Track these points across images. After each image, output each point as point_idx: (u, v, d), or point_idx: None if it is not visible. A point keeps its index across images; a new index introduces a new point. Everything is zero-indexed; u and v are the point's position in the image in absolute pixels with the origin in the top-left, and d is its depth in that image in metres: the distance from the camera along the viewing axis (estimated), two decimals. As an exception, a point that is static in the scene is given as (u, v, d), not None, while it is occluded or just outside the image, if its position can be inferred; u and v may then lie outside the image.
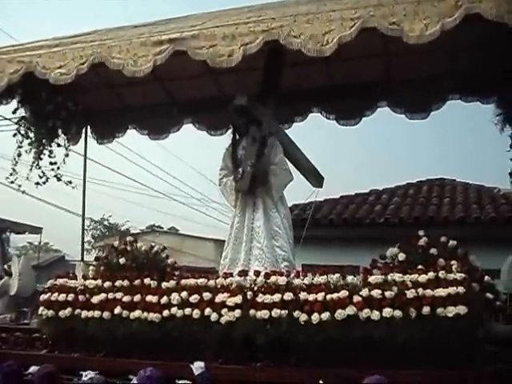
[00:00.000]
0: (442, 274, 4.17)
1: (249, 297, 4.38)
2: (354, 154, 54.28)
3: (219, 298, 4.45)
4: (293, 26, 4.53)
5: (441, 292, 4.05)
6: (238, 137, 5.60)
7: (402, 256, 4.62)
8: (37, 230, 15.52)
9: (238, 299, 4.38)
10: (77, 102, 6.50)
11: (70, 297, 4.87)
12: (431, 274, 4.17)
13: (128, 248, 5.43)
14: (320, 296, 4.21)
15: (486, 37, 5.13)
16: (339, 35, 4.39)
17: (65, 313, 4.81)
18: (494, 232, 9.45)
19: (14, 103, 6.17)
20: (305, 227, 6.64)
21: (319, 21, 4.48)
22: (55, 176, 6.43)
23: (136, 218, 53.82)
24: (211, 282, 4.62)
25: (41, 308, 4.94)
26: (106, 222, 33.05)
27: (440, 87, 6.05)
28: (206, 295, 4.50)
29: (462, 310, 3.95)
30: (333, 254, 8.55)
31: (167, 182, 34.26)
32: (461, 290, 4.04)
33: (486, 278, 4.68)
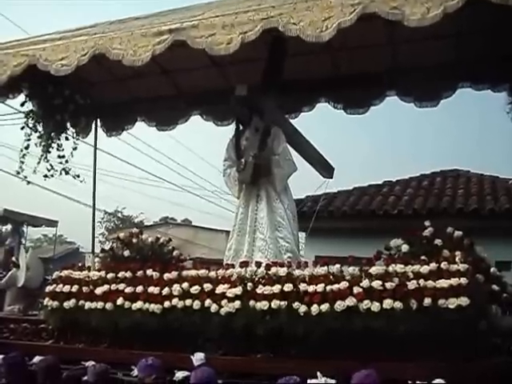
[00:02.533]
0: (444, 264, 4.07)
1: (249, 288, 4.35)
2: (360, 146, 53.71)
3: (219, 289, 4.44)
4: (292, 13, 4.46)
5: (442, 283, 3.96)
6: (241, 127, 5.57)
7: (405, 247, 4.55)
8: (53, 224, 15.77)
9: (238, 290, 4.36)
10: (85, 95, 6.55)
11: (75, 288, 4.92)
12: (433, 265, 4.08)
13: (133, 240, 5.47)
14: (320, 287, 4.16)
15: (497, 22, 4.99)
16: (339, 21, 4.30)
17: (69, 304, 4.86)
18: (509, 223, 9.22)
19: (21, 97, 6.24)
20: (314, 218, 6.58)
21: (319, 8, 4.40)
22: (63, 169, 6.49)
23: (149, 210, 54.09)
24: (212, 273, 4.62)
25: (46, 299, 5.01)
26: (119, 215, 33.13)
27: (450, 75, 5.92)
28: (207, 286, 4.50)
29: (464, 301, 3.85)
30: (346, 246, 8.41)
31: (180, 174, 34.18)
32: (463, 281, 3.94)
33: (493, 269, 4.57)
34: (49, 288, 5.07)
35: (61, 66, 5.12)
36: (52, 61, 5.15)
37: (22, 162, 6.20)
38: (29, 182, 6.53)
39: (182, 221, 30.32)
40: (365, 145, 53.40)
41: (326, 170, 6.63)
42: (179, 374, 4.25)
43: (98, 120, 7.12)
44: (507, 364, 3.83)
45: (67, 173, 6.60)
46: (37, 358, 4.55)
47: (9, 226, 14.37)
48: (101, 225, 30.64)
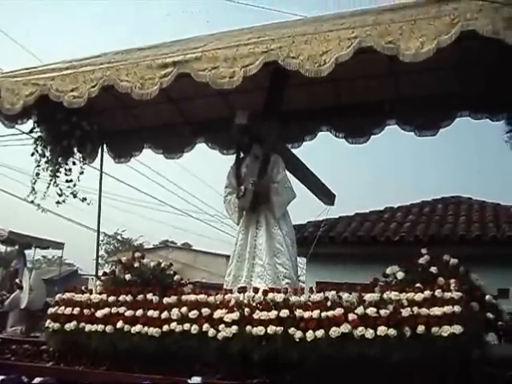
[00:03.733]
0: (438, 292, 4.12)
1: (246, 313, 4.41)
2: (361, 173, 53.76)
3: (217, 314, 4.50)
4: (291, 46, 4.63)
5: (436, 311, 4.00)
6: (242, 155, 5.69)
7: (400, 274, 4.60)
8: (59, 246, 15.89)
9: (235, 315, 4.42)
10: (92, 121, 6.72)
11: (76, 310, 5.00)
12: (427, 293, 4.12)
13: (135, 264, 5.55)
14: (315, 313, 4.21)
15: (495, 54, 5.11)
16: (336, 55, 4.47)
17: (70, 326, 4.93)
18: (511, 251, 9.18)
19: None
20: (314, 244, 6.65)
21: (317, 41, 4.58)
22: (71, 193, 6.64)
23: (150, 233, 53.86)
24: (211, 299, 4.68)
25: (48, 321, 5.09)
26: (119, 237, 33.14)
27: (449, 104, 6.03)
28: (205, 311, 4.56)
29: (457, 329, 3.88)
30: (347, 272, 8.46)
31: (181, 197, 34.11)
32: (457, 308, 3.98)
33: (488, 297, 4.60)
34: (51, 310, 5.15)
35: (73, 97, 5.31)
36: (63, 91, 5.34)
37: (34, 189, 6.36)
38: (43, 210, 6.68)
39: (181, 244, 30.29)
40: (365, 171, 53.61)
41: (327, 196, 6.73)
42: (176, 398, 4.29)
43: (106, 146, 7.29)
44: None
45: (75, 196, 6.74)
46: (37, 380, 4.61)
47: (10, 248, 14.49)
48: (100, 247, 30.60)
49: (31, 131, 6.50)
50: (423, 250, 4.84)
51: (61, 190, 6.65)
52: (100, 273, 6.04)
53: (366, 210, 12.24)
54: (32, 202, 6.51)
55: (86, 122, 6.55)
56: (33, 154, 6.49)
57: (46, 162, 6.48)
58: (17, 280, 7.09)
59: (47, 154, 6.48)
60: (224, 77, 4.76)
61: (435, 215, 11.37)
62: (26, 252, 14.32)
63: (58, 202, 6.71)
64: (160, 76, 4.99)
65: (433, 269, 4.56)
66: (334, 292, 4.33)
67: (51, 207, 6.99)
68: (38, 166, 6.49)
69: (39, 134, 6.50)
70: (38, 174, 6.50)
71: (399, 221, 11.19)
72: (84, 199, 6.82)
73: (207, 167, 27.18)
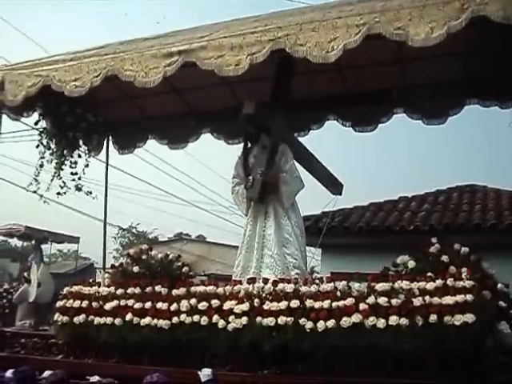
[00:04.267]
0: (450, 281, 4.08)
1: (256, 304, 4.39)
2: (369, 161, 53.61)
3: (227, 305, 4.48)
4: (299, 34, 4.55)
5: (448, 300, 3.96)
6: (249, 145, 5.64)
7: (411, 263, 4.56)
8: (75, 240, 15.89)
9: (245, 306, 4.40)
10: (97, 113, 6.68)
11: (85, 303, 4.99)
12: (439, 282, 4.09)
13: (143, 256, 5.53)
14: (326, 303, 4.19)
15: (503, 40, 5.03)
16: (344, 42, 4.39)
17: (79, 319, 4.93)
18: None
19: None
20: (330, 235, 6.56)
21: (324, 28, 4.50)
22: (76, 186, 6.61)
23: (164, 226, 54.45)
24: (220, 290, 4.66)
25: (56, 314, 5.08)
26: (134, 230, 33.33)
27: (457, 92, 5.96)
28: (215, 302, 4.54)
29: (469, 318, 3.85)
30: (362, 262, 8.32)
31: (195, 189, 34.19)
32: (469, 297, 3.95)
33: (500, 285, 4.56)
34: (59, 303, 5.14)
35: (74, 87, 5.26)
36: (66, 81, 5.29)
37: (36, 180, 6.34)
38: (45, 201, 6.66)
39: (196, 237, 30.44)
40: (373, 158, 53.38)
41: (334, 186, 6.67)
42: (186, 390, 4.28)
43: (110, 137, 7.25)
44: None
45: (80, 190, 6.72)
46: (47, 373, 4.60)
47: (27, 243, 14.50)
48: (115, 240, 30.88)
49: (36, 124, 6.46)
50: (433, 239, 4.80)
51: (64, 182, 6.64)
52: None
53: (381, 200, 12.05)
54: (35, 192, 6.50)
55: (90, 113, 6.52)
56: (37, 146, 6.46)
57: (51, 154, 6.45)
58: (24, 274, 7.07)
59: (52, 146, 6.45)
60: (230, 64, 4.68)
61: (450, 204, 11.12)
62: (43, 246, 14.32)
63: (58, 194, 6.70)
64: (165, 65, 4.93)
65: (444, 257, 4.52)
66: (344, 282, 4.29)
67: (64, 201, 6.99)
68: (43, 157, 6.47)
69: (44, 126, 6.46)
70: (41, 166, 6.47)
71: (414, 210, 10.99)
72: (89, 193, 6.80)
73: (217, 156, 27.20)
